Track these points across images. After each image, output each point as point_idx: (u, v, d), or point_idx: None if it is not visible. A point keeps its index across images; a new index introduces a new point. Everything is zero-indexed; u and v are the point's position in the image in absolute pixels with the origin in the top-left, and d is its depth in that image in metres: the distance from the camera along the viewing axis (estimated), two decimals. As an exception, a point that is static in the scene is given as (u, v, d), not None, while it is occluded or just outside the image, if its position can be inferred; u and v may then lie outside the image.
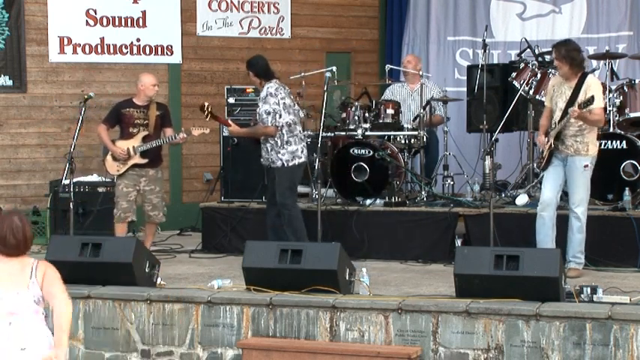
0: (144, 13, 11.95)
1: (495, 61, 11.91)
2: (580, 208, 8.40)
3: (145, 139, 9.69)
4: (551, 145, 8.40)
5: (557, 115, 8.43)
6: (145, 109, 9.77)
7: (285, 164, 9.15)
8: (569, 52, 8.35)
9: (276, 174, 9.17)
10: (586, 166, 8.39)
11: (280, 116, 9.11)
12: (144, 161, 9.67)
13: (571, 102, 8.33)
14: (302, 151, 9.25)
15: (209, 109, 9.30)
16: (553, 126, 8.41)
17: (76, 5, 11.72)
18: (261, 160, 9.33)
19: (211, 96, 12.15)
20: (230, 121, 9.64)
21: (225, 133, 10.57)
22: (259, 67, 9.30)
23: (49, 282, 5.21)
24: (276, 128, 9.10)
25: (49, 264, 5.33)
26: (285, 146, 9.15)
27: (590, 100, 8.13)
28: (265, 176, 9.54)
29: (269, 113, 9.08)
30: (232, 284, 7.92)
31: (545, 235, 8.41)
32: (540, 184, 9.58)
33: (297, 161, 9.18)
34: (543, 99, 8.95)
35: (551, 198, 8.43)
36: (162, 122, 9.84)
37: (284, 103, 9.15)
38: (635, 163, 9.17)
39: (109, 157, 9.75)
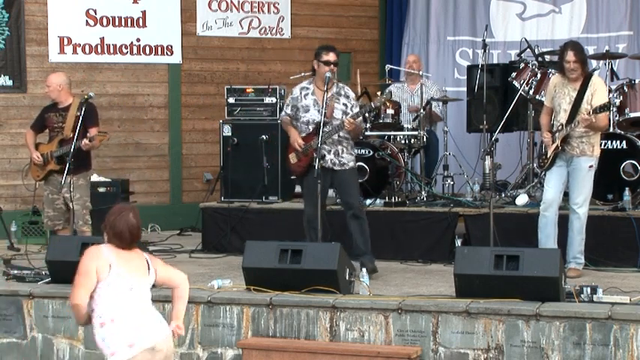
0: (144, 13, 11.94)
1: (495, 61, 11.91)
2: (582, 208, 8.38)
3: (61, 143, 9.23)
4: (557, 146, 8.37)
5: (562, 116, 8.36)
6: (64, 112, 9.33)
7: (355, 164, 8.80)
8: (583, 54, 8.31)
9: (345, 176, 8.63)
10: (591, 166, 8.37)
11: None
12: (58, 167, 9.19)
13: (577, 103, 8.29)
14: None
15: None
16: (560, 127, 8.37)
17: (76, 5, 11.71)
18: (326, 163, 8.48)
19: (211, 96, 12.17)
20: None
21: (225, 133, 10.56)
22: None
23: (161, 268, 5.68)
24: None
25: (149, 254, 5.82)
26: (354, 148, 8.89)
27: (606, 106, 8.11)
28: (306, 181, 8.68)
29: (359, 115, 8.78)
30: (232, 284, 7.92)
31: (548, 234, 8.40)
32: (540, 184, 9.58)
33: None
34: (543, 99, 8.91)
35: (554, 197, 8.42)
36: (84, 122, 9.22)
37: None
38: (635, 163, 9.17)
39: (31, 163, 9.47)
